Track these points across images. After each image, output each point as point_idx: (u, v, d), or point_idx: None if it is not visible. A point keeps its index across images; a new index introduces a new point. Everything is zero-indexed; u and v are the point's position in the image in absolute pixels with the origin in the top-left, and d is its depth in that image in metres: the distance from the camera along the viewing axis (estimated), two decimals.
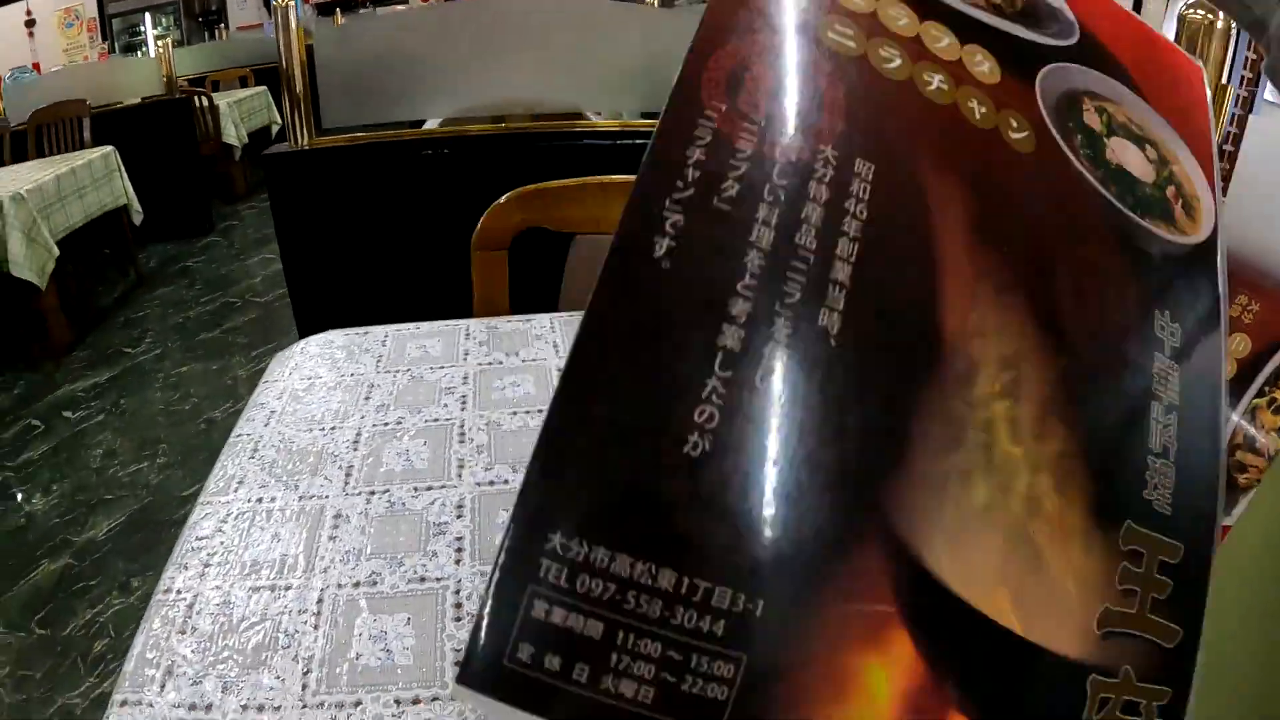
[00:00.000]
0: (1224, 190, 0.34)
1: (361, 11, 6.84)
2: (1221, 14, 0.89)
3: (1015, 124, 0.34)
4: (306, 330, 1.34)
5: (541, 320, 1.09)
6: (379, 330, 1.07)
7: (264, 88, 6.05)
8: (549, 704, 0.19)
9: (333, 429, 0.85)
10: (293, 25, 1.96)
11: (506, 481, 0.77)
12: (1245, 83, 0.89)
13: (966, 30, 0.35)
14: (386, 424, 0.86)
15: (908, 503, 0.24)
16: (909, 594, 0.23)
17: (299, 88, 1.97)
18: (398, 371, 0.96)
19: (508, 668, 0.19)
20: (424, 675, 0.57)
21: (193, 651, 0.60)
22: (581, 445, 0.22)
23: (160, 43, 6.13)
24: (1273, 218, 0.61)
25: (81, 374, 3.07)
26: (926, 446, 0.25)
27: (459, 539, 0.70)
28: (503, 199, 1.24)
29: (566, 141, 2.06)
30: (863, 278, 0.26)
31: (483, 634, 0.19)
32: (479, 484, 0.77)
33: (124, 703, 0.57)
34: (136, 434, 2.69)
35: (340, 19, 4.73)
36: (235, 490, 0.77)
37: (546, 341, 1.03)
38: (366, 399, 0.91)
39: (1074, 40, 0.39)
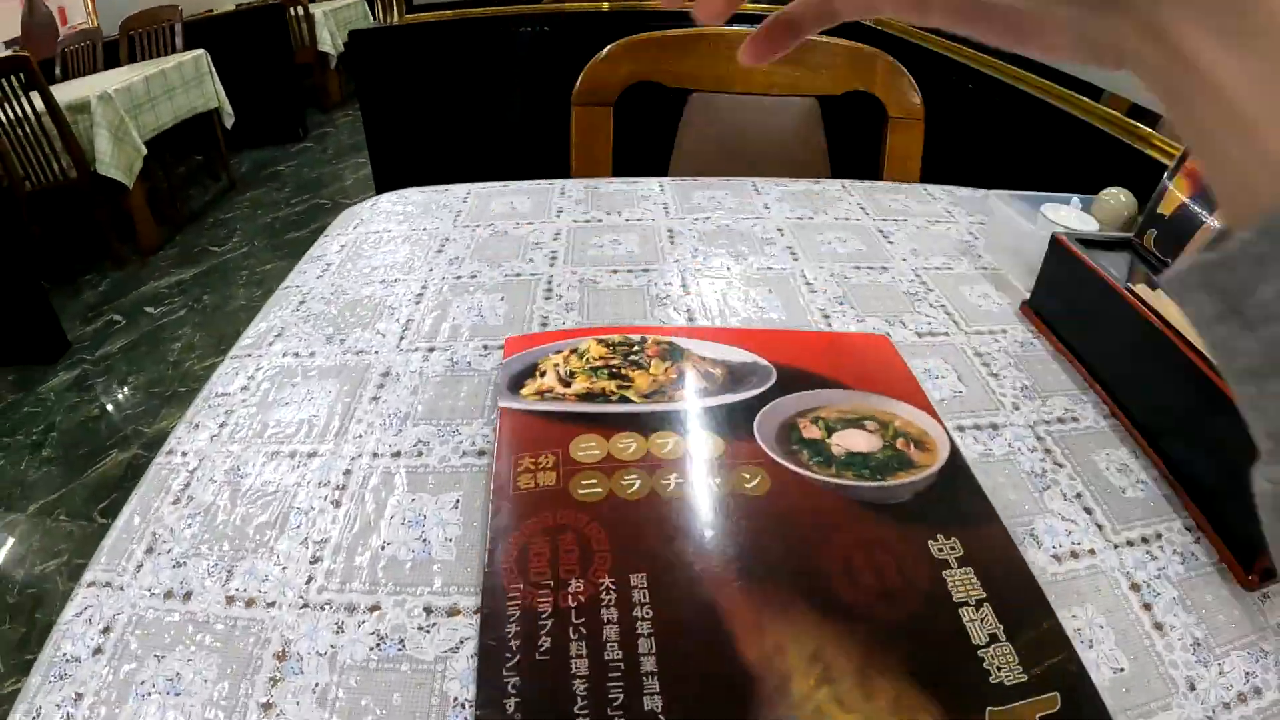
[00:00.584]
0: None
1: None
2: None
3: (748, 475, 0.46)
4: None
5: (649, 183, 0.90)
6: (461, 188, 0.89)
7: None
8: None
9: (395, 281, 0.69)
10: None
11: None
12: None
13: (685, 424, 0.49)
14: (459, 277, 0.69)
15: None
16: None
17: None
18: (478, 226, 0.79)
19: None
20: (467, 577, 0.41)
21: (183, 526, 0.44)
22: None
23: None
24: None
25: (167, 271, 3.03)
26: None
27: None
28: (608, 48, 1.04)
29: (677, 23, 1.85)
30: (668, 657, 0.36)
31: None
32: None
33: (92, 583, 0.42)
34: (215, 329, 2.63)
35: None
36: (271, 344, 0.61)
37: (655, 203, 0.84)
38: (439, 252, 0.74)
39: (774, 380, 0.54)
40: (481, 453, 0.49)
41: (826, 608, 0.39)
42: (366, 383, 0.55)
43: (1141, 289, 0.56)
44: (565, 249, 0.74)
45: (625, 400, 0.50)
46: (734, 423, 0.49)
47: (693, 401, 0.51)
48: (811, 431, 0.50)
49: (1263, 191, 0.19)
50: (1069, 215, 0.71)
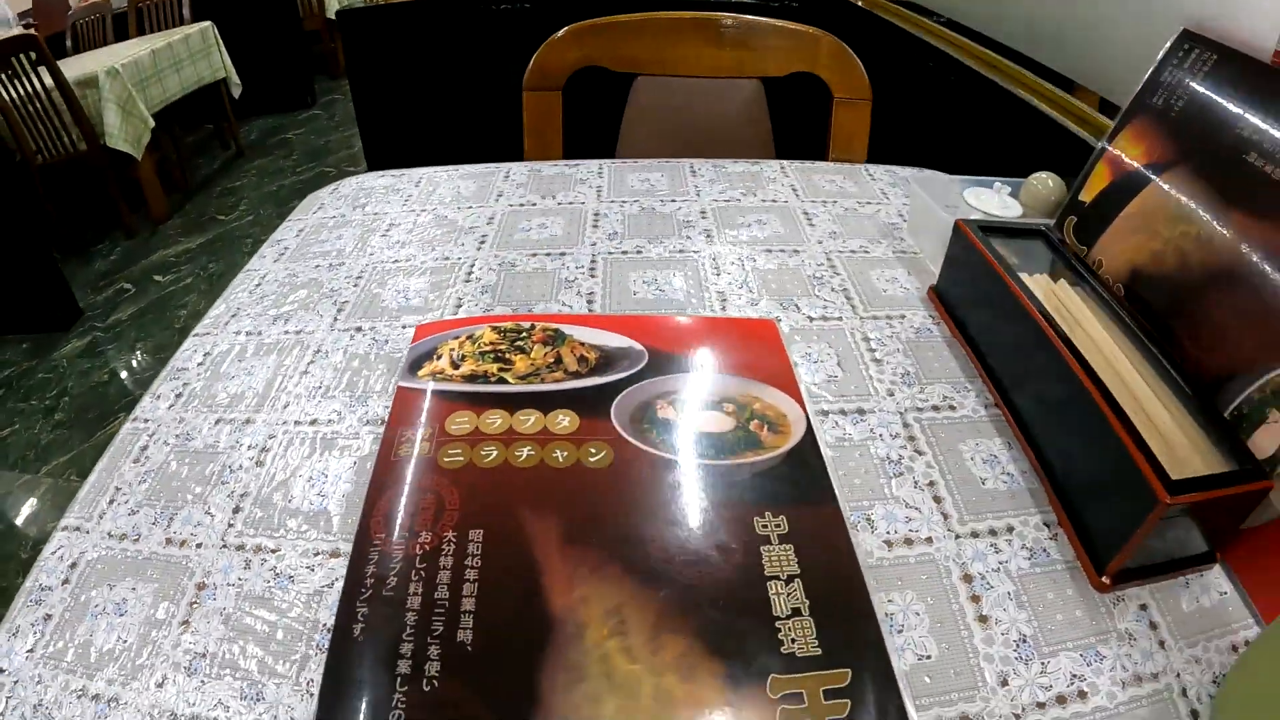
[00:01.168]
0: None
1: None
2: None
3: (594, 450, 0.51)
4: None
5: (589, 165, 0.97)
6: (418, 172, 0.97)
7: None
8: None
9: (340, 265, 0.77)
10: None
11: None
12: None
13: (551, 403, 0.54)
14: (396, 261, 0.77)
15: None
16: None
17: None
18: (422, 211, 0.87)
19: None
20: (348, 527, 0.49)
21: (139, 481, 0.53)
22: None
23: None
24: None
25: (175, 240, 3.13)
26: (554, 688, 0.38)
27: None
28: (558, 34, 1.10)
29: (656, 3, 1.89)
30: (486, 601, 0.42)
31: None
32: None
33: (66, 527, 0.51)
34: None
35: None
36: (226, 324, 0.70)
37: (590, 186, 0.91)
38: (383, 235, 0.82)
39: (644, 363, 0.58)
40: (382, 422, 0.57)
41: (636, 570, 0.43)
42: (302, 360, 0.64)
43: (1037, 280, 0.57)
44: (495, 232, 0.81)
45: (503, 381, 0.56)
46: (595, 403, 0.54)
47: (564, 384, 0.56)
48: (667, 413, 0.54)
49: None
50: (990, 199, 0.70)
